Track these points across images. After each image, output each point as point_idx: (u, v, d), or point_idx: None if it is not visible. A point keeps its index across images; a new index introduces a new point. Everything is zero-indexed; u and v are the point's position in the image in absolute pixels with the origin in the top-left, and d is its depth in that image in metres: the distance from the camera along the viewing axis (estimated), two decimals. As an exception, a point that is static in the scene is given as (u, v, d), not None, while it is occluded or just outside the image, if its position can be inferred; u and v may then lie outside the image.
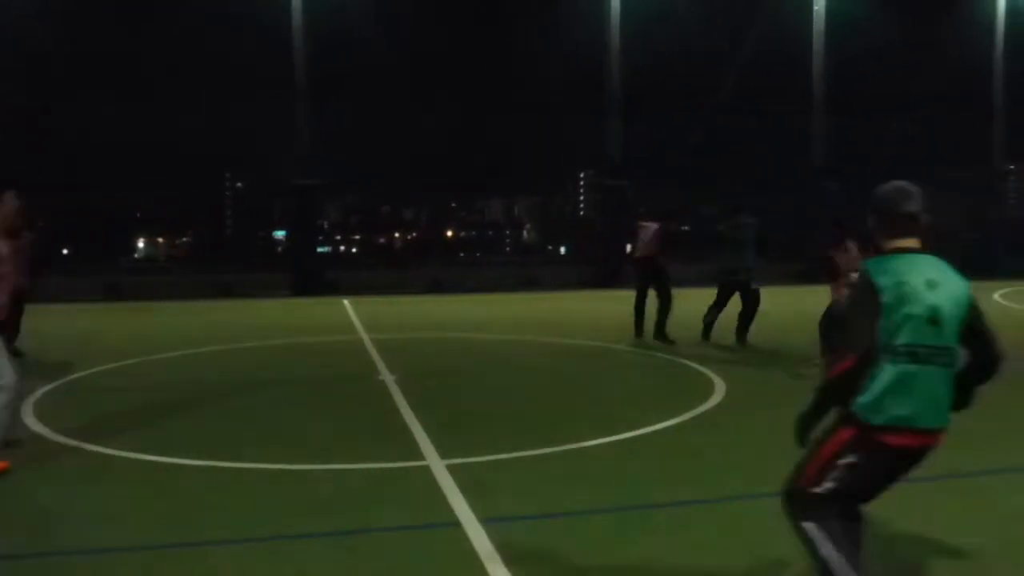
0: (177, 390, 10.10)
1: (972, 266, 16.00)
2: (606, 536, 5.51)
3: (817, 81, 23.70)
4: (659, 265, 13.51)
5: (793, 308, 17.05)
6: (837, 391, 3.98)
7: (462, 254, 26.87)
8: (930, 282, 3.91)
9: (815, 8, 23.92)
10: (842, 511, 4.06)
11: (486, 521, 5.61)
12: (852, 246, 10.23)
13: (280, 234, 23.62)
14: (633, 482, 6.57)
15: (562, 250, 27.50)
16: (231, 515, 5.87)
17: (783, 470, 6.69)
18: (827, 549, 3.98)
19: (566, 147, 23.71)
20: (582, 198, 26.12)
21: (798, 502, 4.15)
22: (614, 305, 18.09)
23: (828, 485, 4.03)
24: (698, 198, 26.65)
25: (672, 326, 13.48)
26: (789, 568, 5.01)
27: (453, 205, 27.15)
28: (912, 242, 4.05)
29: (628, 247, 15.25)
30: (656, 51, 21.89)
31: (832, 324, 10.33)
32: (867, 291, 3.91)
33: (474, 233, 28.20)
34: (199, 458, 7.11)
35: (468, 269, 24.74)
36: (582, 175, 25.78)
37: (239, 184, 26.93)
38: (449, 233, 27.20)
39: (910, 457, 4.01)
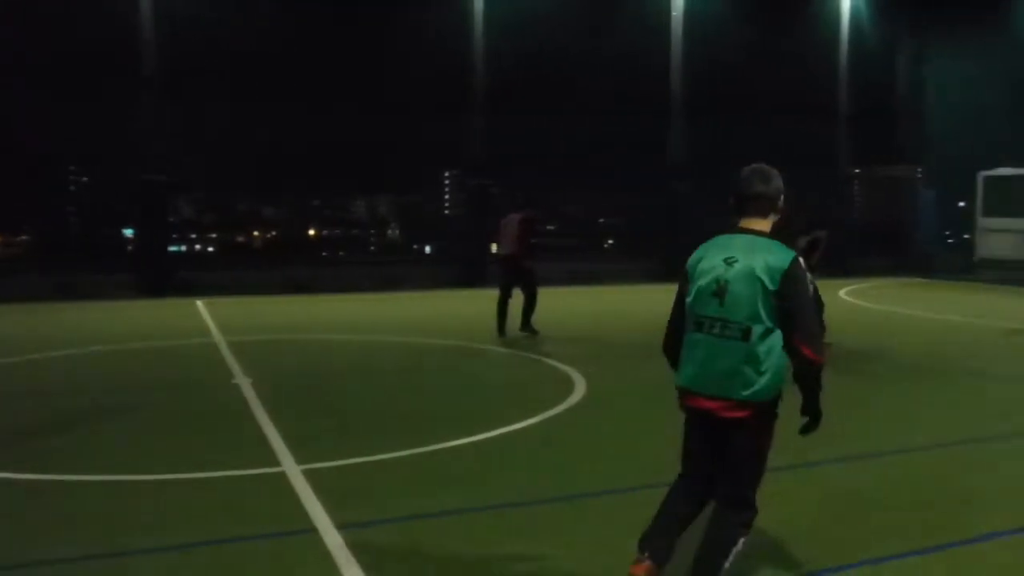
0: (5, 399, 9.51)
1: (820, 266, 16.65)
2: (465, 537, 5.46)
3: (674, 84, 24.26)
4: (522, 263, 13.45)
5: (651, 306, 17.31)
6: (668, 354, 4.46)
7: (325, 253, 26.36)
8: (729, 259, 4.12)
9: (673, 13, 24.48)
10: (684, 480, 4.40)
11: (344, 527, 5.50)
12: None
13: (129, 232, 22.63)
14: (492, 483, 6.54)
15: (427, 249, 27.31)
16: (69, 532, 5.53)
17: (636, 467, 6.85)
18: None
19: (430, 145, 23.55)
20: (447, 197, 25.96)
21: None
22: (478, 305, 18.04)
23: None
24: (563, 198, 26.96)
25: (540, 325, 13.65)
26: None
27: (316, 203, 26.61)
28: (751, 221, 4.27)
29: (493, 246, 15.09)
30: (518, 51, 21.99)
31: None
32: (685, 268, 4.33)
33: (337, 232, 27.71)
34: (31, 472, 6.69)
35: (331, 269, 24.31)
36: (447, 174, 25.62)
37: (85, 179, 25.64)
38: (311, 232, 26.65)
39: (706, 422, 4.21)
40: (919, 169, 28.21)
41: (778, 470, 6.47)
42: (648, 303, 17.71)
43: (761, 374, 4.03)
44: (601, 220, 29.35)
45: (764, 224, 4.27)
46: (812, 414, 4.18)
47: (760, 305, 4.01)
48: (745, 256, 4.10)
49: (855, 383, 10.45)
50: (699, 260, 4.26)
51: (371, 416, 8.68)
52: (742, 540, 4.19)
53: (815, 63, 26.98)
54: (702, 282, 4.17)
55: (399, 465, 6.92)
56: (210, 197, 25.30)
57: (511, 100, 22.20)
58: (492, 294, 19.49)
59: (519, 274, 13.52)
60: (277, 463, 6.89)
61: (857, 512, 5.90)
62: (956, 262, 26.51)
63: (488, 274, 21.49)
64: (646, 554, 4.23)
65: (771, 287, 4.00)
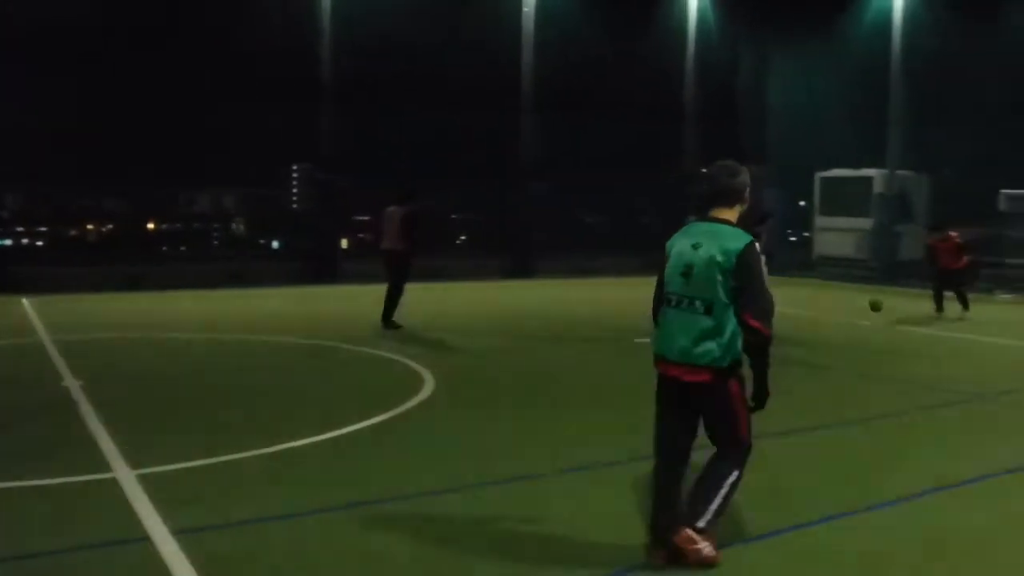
0: None
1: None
2: (308, 540, 5.30)
3: (527, 81, 24.39)
4: (405, 258, 13.52)
5: (502, 302, 17.41)
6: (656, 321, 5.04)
7: (165, 248, 25.34)
8: (696, 244, 4.81)
9: (524, 10, 24.61)
10: (664, 462, 4.99)
11: (179, 533, 5.27)
12: None
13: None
14: (335, 483, 6.38)
15: (274, 244, 26.59)
16: None
17: (479, 465, 6.80)
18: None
19: (278, 138, 22.93)
20: (295, 191, 25.36)
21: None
22: (327, 301, 17.75)
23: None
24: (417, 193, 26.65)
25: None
26: (488, 559, 5.03)
27: (156, 196, 25.53)
28: (719, 211, 4.95)
29: (376, 238, 14.62)
30: (368, 45, 21.68)
31: None
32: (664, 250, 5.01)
33: (179, 226, 26.68)
34: None
35: (171, 264, 23.40)
36: (295, 167, 25.02)
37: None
38: (151, 226, 25.58)
39: (672, 386, 4.88)
40: (762, 169, 29.18)
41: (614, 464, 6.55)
42: (498, 299, 17.84)
43: (720, 344, 4.69)
44: (454, 216, 29.26)
45: (731, 213, 4.93)
46: (759, 393, 4.82)
47: (719, 285, 4.68)
48: (708, 242, 4.78)
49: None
50: (672, 245, 4.98)
51: (210, 417, 8.35)
52: (735, 473, 4.87)
53: (663, 64, 27.59)
54: (673, 264, 4.90)
55: (239, 467, 6.68)
56: (42, 189, 23.92)
57: (362, 93, 21.87)
58: (342, 290, 19.31)
59: (399, 267, 13.56)
60: (109, 469, 6.53)
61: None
62: (797, 259, 27.60)
63: (338, 270, 21.16)
64: (659, 544, 4.82)
65: (728, 268, 4.66)
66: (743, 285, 4.67)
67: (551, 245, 24.69)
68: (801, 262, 27.09)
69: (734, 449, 4.89)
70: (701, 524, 4.75)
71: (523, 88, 24.32)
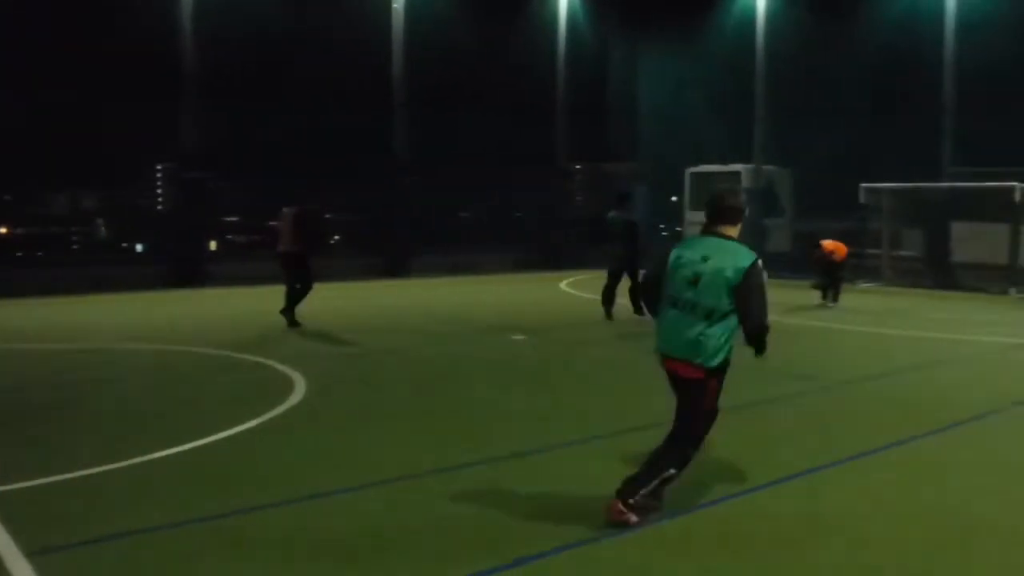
0: None
1: (543, 260, 17.09)
2: (168, 555, 5.10)
3: (398, 78, 24.12)
4: (302, 258, 13.69)
5: (374, 304, 17.18)
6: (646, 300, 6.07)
7: (20, 254, 24.08)
8: (705, 257, 5.52)
9: (394, 5, 24.34)
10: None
11: (33, 554, 5.01)
12: None
13: None
14: (197, 495, 6.12)
15: (139, 248, 25.56)
16: None
17: (350, 472, 6.62)
18: None
19: (140, 137, 22.05)
20: (160, 192, 24.43)
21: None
22: (192, 306, 17.18)
23: None
24: (288, 194, 26.04)
25: (260, 326, 13.36)
26: (353, 568, 4.94)
27: (7, 198, 24.24)
28: (724, 228, 5.71)
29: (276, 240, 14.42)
30: (234, 40, 21.09)
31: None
32: (663, 256, 5.74)
33: (36, 230, 25.39)
34: None
35: (28, 270, 22.25)
36: (159, 167, 24.09)
37: None
38: (3, 230, 24.30)
39: (673, 379, 5.68)
40: (632, 165, 29.59)
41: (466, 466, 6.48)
42: (373, 300, 17.58)
43: (714, 346, 5.42)
44: (328, 216, 28.68)
45: (733, 230, 5.70)
46: (759, 348, 5.56)
47: (724, 294, 5.39)
48: (717, 256, 5.50)
49: (595, 369, 10.75)
50: (679, 255, 5.65)
51: (66, 431, 7.92)
52: (673, 470, 5.52)
53: (535, 59, 27.72)
54: (682, 272, 5.56)
55: (95, 482, 6.37)
56: None
57: (228, 90, 21.26)
58: (209, 294, 18.72)
59: (299, 269, 13.72)
60: (-48, 488, 6.13)
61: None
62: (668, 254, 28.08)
63: (205, 273, 20.53)
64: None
65: (735, 282, 5.38)
66: (747, 294, 5.40)
67: (426, 243, 24.49)
68: (672, 257, 27.57)
69: (684, 439, 5.62)
70: (631, 501, 5.41)
71: (394, 84, 24.03)
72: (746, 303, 5.41)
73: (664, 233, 30.29)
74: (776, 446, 7.57)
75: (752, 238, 25.54)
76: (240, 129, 21.78)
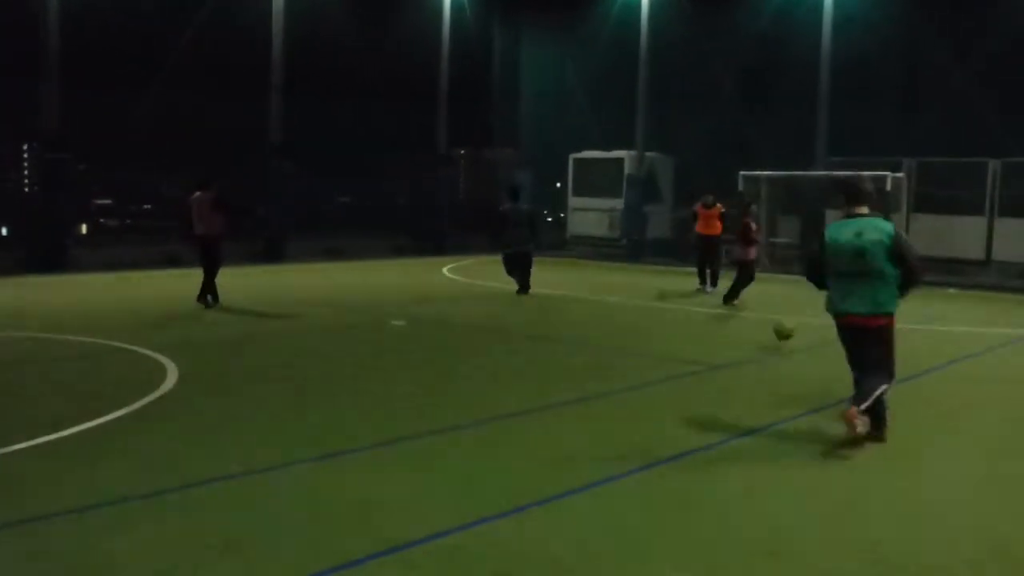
0: None
1: (424, 246, 16.93)
2: (37, 548, 4.89)
3: (276, 61, 23.48)
4: (217, 240, 13.99)
5: (250, 289, 16.72)
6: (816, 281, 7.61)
7: None
8: (859, 233, 7.07)
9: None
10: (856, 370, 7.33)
11: None
12: None
13: None
14: (50, 491, 5.81)
15: (3, 231, 24.37)
16: None
17: (221, 460, 6.40)
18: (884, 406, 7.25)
19: (4, 115, 20.99)
20: (26, 173, 23.29)
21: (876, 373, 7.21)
22: (62, 291, 16.42)
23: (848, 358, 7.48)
24: (159, 176, 25.23)
25: (131, 312, 13.03)
26: (214, 559, 4.77)
27: None
28: (861, 208, 7.24)
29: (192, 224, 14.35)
30: (100, 16, 20.30)
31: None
32: (821, 240, 7.37)
33: None
34: None
35: None
36: (25, 147, 22.99)
37: None
38: None
39: (858, 331, 7.21)
40: (515, 151, 29.61)
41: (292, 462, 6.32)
42: (248, 286, 17.10)
43: (889, 296, 7.08)
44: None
45: (866, 209, 7.21)
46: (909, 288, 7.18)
47: (886, 256, 6.98)
48: (868, 230, 7.07)
49: (468, 350, 10.65)
50: (837, 236, 7.18)
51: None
52: (884, 385, 7.13)
53: (417, 46, 27.45)
54: (845, 248, 7.11)
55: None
56: None
57: (96, 69, 20.43)
58: (75, 280, 17.92)
59: (215, 252, 14.00)
60: None
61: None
62: (550, 239, 28.23)
63: (72, 258, 19.66)
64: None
65: (889, 245, 6.98)
66: (902, 252, 7.02)
67: (305, 228, 23.97)
68: (554, 241, 27.76)
69: (885, 368, 7.17)
70: (862, 406, 6.91)
71: (273, 68, 23.40)
72: (904, 255, 7.03)
73: (549, 219, 30.48)
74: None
75: (633, 224, 25.97)
76: (111, 110, 21.00)
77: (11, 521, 5.21)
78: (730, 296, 15.43)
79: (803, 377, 9.96)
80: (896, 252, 6.98)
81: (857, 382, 7.21)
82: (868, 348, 7.20)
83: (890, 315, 7.13)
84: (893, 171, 21.21)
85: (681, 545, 5.17)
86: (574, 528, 5.33)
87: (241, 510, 5.55)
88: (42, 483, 5.93)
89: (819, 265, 7.40)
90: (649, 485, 6.18)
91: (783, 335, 11.38)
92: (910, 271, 7.04)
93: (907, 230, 21.69)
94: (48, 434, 6.92)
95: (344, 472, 6.33)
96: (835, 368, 10.23)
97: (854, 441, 7.03)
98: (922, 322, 13.59)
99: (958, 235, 22.03)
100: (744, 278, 15.49)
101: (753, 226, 15.78)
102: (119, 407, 7.76)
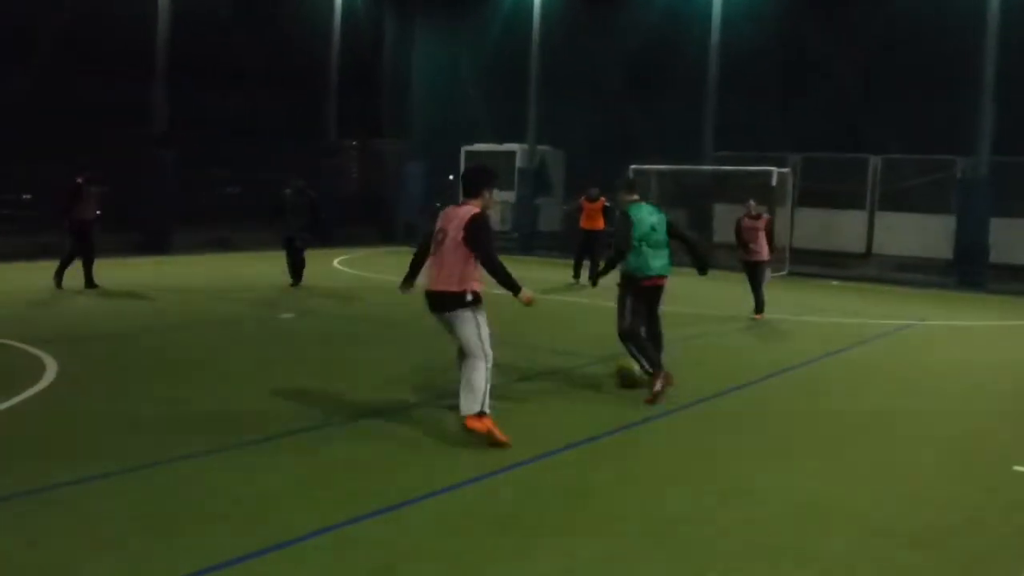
0: None
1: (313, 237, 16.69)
2: None
3: (160, 48, 22.82)
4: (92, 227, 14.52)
5: (134, 280, 16.29)
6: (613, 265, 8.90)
7: None
8: (649, 212, 8.85)
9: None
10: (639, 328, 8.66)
11: None
12: None
13: None
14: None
15: None
16: None
17: (101, 454, 6.27)
18: (644, 352, 8.56)
19: None
20: None
21: (623, 335, 8.71)
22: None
23: (630, 313, 8.67)
24: (38, 164, 24.26)
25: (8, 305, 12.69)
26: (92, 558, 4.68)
27: None
28: (635, 195, 9.02)
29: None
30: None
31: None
32: (627, 219, 8.72)
33: None
34: None
35: None
36: None
37: None
38: None
39: (654, 290, 8.77)
40: (404, 143, 29.43)
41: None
42: (130, 278, 16.64)
43: (671, 261, 8.89)
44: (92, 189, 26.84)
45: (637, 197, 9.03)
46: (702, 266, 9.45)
47: (667, 231, 8.82)
48: (655, 212, 8.91)
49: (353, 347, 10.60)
50: (638, 216, 8.73)
51: None
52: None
53: (305, 35, 27.09)
54: (644, 225, 8.69)
55: None
56: None
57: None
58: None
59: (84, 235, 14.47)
60: None
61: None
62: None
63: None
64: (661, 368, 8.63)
65: (668, 224, 8.88)
66: (676, 231, 9.05)
67: (189, 219, 23.30)
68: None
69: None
70: (651, 369, 8.54)
71: (157, 54, 22.70)
72: (681, 234, 9.21)
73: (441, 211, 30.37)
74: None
75: (524, 217, 26.15)
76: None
77: None
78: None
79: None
80: (671, 229, 8.92)
81: (657, 337, 8.81)
82: (657, 303, 8.87)
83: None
84: (779, 166, 21.82)
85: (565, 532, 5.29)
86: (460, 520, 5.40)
87: (120, 505, 5.47)
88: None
89: (629, 238, 8.63)
90: (537, 476, 6.29)
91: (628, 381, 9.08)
92: (687, 240, 9.36)
93: (792, 224, 22.45)
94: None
95: (219, 469, 6.27)
96: (713, 358, 10.52)
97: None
98: (801, 313, 14.07)
99: (841, 229, 22.87)
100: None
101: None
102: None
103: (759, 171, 21.61)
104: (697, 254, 9.39)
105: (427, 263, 7.21)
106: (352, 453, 6.65)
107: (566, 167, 27.82)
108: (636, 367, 8.72)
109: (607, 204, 18.00)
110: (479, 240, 6.82)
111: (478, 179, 7.23)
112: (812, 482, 6.35)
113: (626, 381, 8.94)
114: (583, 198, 18.23)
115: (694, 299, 14.67)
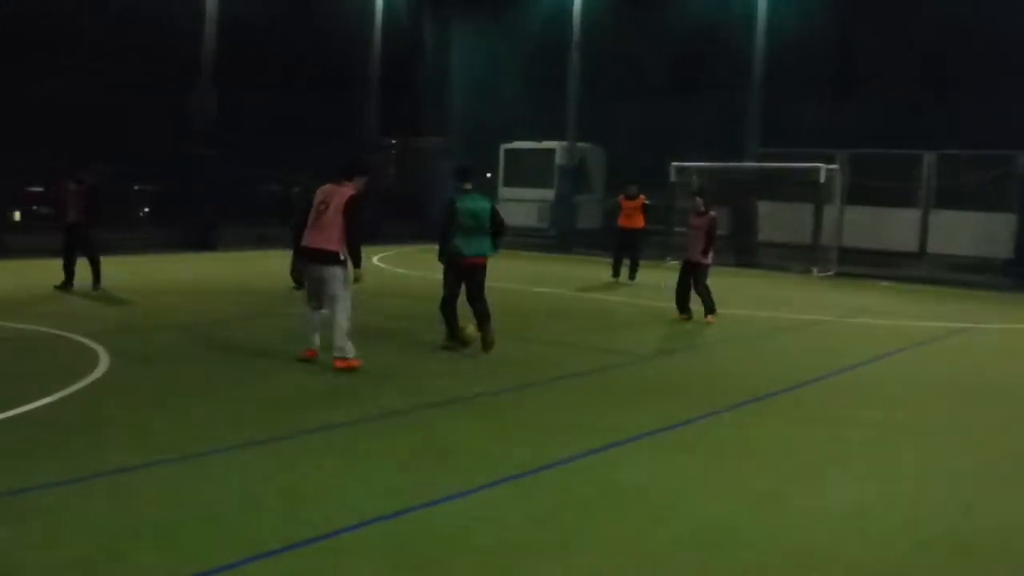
0: None
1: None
2: None
3: (206, 49, 23.09)
4: (86, 229, 13.85)
5: (184, 276, 16.49)
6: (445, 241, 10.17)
7: None
8: (474, 199, 10.08)
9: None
10: (454, 298, 10.19)
11: None
12: None
13: None
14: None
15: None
16: None
17: (150, 444, 6.35)
18: (452, 318, 10.21)
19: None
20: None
21: (443, 304, 10.21)
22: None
23: (448, 288, 10.17)
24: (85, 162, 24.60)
25: (64, 299, 12.98)
26: (148, 545, 4.68)
27: None
28: (471, 187, 10.20)
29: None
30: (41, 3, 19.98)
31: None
32: (453, 207, 10.02)
33: None
34: None
35: None
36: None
37: None
38: None
39: (469, 268, 10.07)
40: (442, 140, 29.44)
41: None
42: (178, 274, 16.87)
43: (492, 246, 10.18)
44: (136, 187, 27.23)
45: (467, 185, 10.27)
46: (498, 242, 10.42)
47: (488, 219, 10.02)
48: (480, 202, 10.14)
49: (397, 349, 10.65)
50: (464, 204, 10.01)
51: None
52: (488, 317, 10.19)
53: (346, 35, 27.21)
54: (467, 213, 9.95)
55: None
56: None
57: (23, 53, 19.98)
58: (11, 265, 17.46)
59: (83, 238, 13.89)
60: None
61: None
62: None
63: (5, 245, 19.18)
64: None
65: (490, 213, 10.10)
66: (496, 218, 10.14)
67: (233, 216, 23.56)
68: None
69: (485, 301, 10.23)
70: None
71: (203, 54, 22.97)
72: (496, 221, 10.16)
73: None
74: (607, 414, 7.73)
75: (563, 215, 26.07)
76: (35, 96, 20.53)
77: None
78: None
79: (724, 370, 10.13)
80: (493, 217, 10.05)
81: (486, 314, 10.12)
82: (478, 280, 10.12)
83: (487, 258, 10.21)
84: (826, 163, 21.47)
85: (606, 536, 5.27)
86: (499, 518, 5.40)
87: (160, 495, 5.51)
88: None
89: (452, 224, 9.98)
90: (572, 476, 6.26)
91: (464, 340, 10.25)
92: (498, 227, 10.13)
93: (840, 222, 22.06)
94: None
95: (261, 462, 6.30)
96: (755, 360, 10.45)
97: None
98: (848, 315, 13.90)
99: (892, 228, 22.33)
100: None
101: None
102: (48, 393, 7.61)
103: (806, 167, 21.30)
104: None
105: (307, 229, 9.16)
106: (390, 447, 6.67)
107: (607, 164, 27.68)
108: (472, 329, 10.27)
109: (647, 202, 17.91)
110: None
111: (353, 167, 9.33)
112: (858, 490, 6.19)
113: (464, 339, 10.27)
114: (621, 196, 18.14)
115: (741, 299, 14.56)
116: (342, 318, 8.97)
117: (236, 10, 23.20)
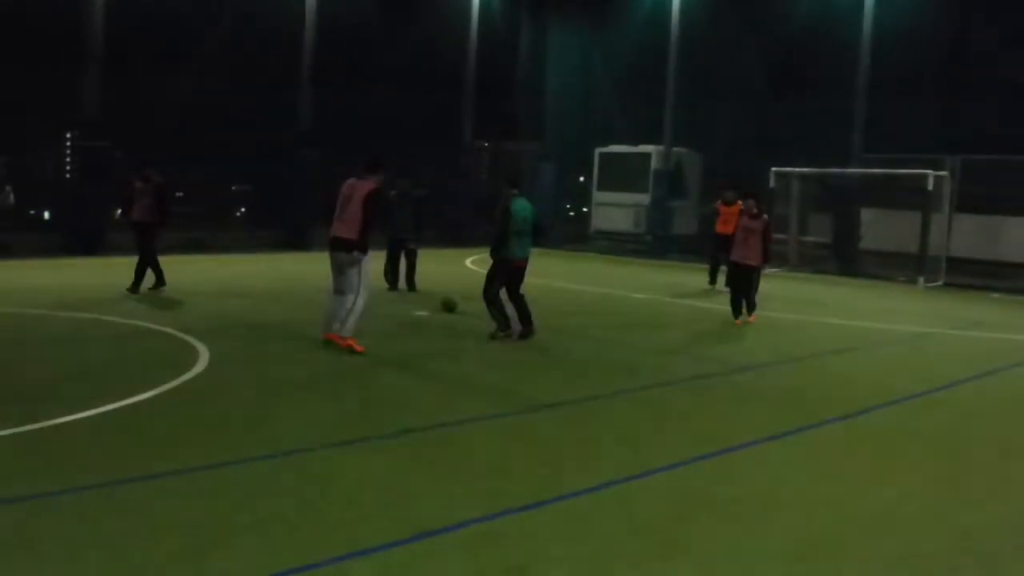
0: None
1: (445, 236, 16.82)
2: (79, 518, 5.03)
3: (306, 51, 23.56)
4: (149, 229, 13.70)
5: (276, 276, 16.83)
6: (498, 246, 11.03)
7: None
8: (523, 204, 11.00)
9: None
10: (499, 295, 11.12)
11: None
12: None
13: None
14: (102, 459, 6.01)
15: (46, 215, 24.66)
16: None
17: (253, 439, 6.50)
18: (504, 310, 11.11)
19: (46, 104, 21.25)
20: (68, 160, 23.46)
21: (487, 297, 11.05)
22: (96, 274, 16.56)
23: (497, 285, 11.05)
24: (187, 164, 25.37)
25: (164, 296, 13.43)
26: (248, 536, 4.76)
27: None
28: (517, 192, 11.14)
29: (119, 210, 14.70)
30: (141, 7, 20.55)
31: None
32: (507, 209, 10.85)
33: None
34: None
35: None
36: (68, 135, 23.16)
37: None
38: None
39: (522, 271, 11.16)
40: (538, 144, 29.40)
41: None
42: (275, 273, 17.22)
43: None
44: (234, 188, 27.96)
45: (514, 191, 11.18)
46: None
47: (532, 222, 11.04)
48: (528, 207, 11.02)
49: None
50: (517, 208, 10.86)
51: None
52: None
53: (443, 37, 27.42)
54: (519, 216, 10.82)
55: (2, 445, 6.19)
56: None
57: (135, 60, 20.68)
58: (111, 261, 18.07)
59: (147, 240, 13.73)
60: None
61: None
62: (573, 233, 28.13)
63: (108, 241, 19.84)
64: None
65: (534, 216, 11.07)
66: (538, 223, 11.24)
67: (328, 217, 23.94)
68: (577, 236, 27.67)
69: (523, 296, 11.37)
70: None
71: (303, 59, 23.48)
72: (539, 225, 11.30)
73: (571, 213, 30.33)
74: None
75: (658, 219, 25.81)
76: (145, 98, 21.20)
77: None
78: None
79: (822, 382, 9.90)
80: (535, 221, 11.02)
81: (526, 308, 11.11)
82: (522, 278, 11.10)
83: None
84: (935, 169, 20.79)
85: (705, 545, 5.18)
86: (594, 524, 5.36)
87: (258, 491, 5.62)
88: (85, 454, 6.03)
89: (511, 225, 10.71)
90: (673, 484, 6.19)
91: (448, 306, 12.96)
92: (540, 231, 11.31)
93: (949, 230, 21.26)
94: (94, 408, 7.08)
95: (367, 458, 6.38)
96: (866, 371, 10.20)
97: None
98: (961, 327, 13.45)
99: (1006, 237, 21.43)
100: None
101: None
102: (153, 387, 7.87)
103: (913, 174, 20.64)
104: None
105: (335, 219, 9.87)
106: (491, 451, 6.69)
107: (703, 169, 27.30)
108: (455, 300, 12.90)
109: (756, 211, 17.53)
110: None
111: (376, 163, 10.02)
112: (968, 512, 5.96)
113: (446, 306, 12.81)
114: (719, 202, 17.85)
115: (846, 309, 14.20)
116: (360, 302, 9.68)
117: (335, 14, 23.66)
